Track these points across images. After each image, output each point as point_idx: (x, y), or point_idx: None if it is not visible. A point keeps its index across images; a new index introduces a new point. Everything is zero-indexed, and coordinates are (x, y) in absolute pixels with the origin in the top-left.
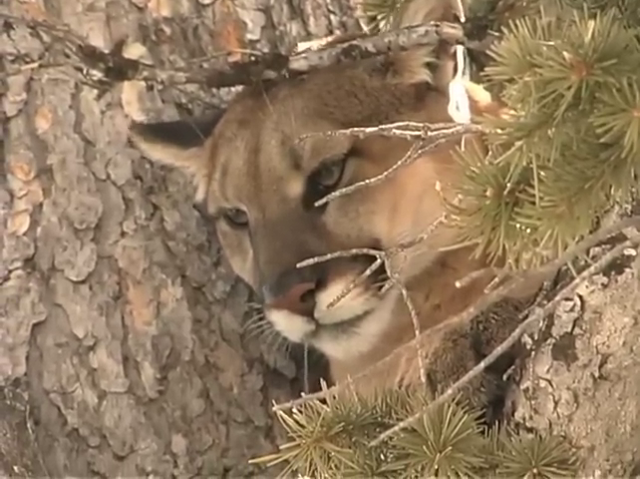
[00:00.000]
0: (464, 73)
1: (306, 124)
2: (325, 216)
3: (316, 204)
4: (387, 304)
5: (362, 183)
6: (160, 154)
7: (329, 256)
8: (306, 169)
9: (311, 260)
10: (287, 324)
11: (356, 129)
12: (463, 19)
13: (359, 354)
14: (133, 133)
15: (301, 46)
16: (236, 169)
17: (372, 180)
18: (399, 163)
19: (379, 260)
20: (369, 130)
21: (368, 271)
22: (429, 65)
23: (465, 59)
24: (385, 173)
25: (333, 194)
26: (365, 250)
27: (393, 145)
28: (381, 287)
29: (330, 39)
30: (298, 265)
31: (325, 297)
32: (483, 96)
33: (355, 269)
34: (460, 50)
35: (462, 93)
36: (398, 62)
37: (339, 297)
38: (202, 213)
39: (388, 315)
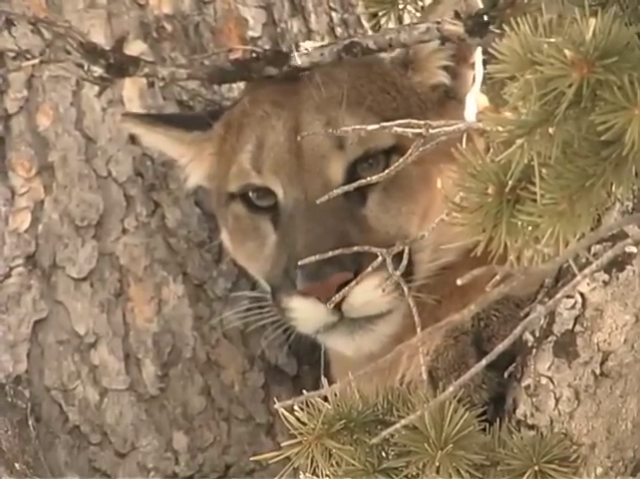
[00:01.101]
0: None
1: (351, 112)
2: (365, 209)
3: (352, 185)
4: (404, 305)
5: (364, 181)
6: (158, 137)
7: (331, 253)
8: (350, 153)
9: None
10: (310, 313)
11: (358, 126)
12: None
13: (369, 353)
14: (127, 119)
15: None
16: (276, 144)
17: (373, 177)
18: (400, 160)
19: (380, 258)
20: (371, 127)
21: (370, 268)
22: (447, 69)
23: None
24: (386, 171)
25: (372, 177)
26: (367, 248)
27: (431, 148)
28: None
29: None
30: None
31: (358, 290)
32: (480, 99)
33: (392, 264)
34: (478, 60)
35: (473, 102)
36: (417, 61)
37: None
38: (204, 209)
39: (401, 317)
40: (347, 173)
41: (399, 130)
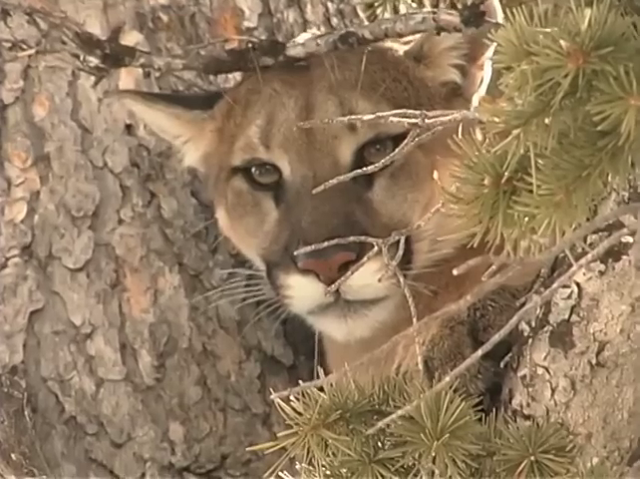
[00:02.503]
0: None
1: (365, 95)
2: (372, 193)
3: (366, 169)
4: (399, 294)
5: (360, 170)
6: (157, 114)
7: (326, 243)
8: (360, 135)
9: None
10: (308, 290)
11: (354, 116)
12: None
13: (360, 338)
14: (126, 95)
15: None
16: (286, 120)
17: (369, 168)
18: (396, 151)
19: (376, 248)
20: (367, 117)
21: (366, 258)
22: (459, 67)
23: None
24: (382, 161)
25: (382, 161)
26: (363, 238)
27: (439, 139)
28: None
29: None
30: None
31: (358, 273)
32: None
33: (391, 252)
34: (488, 63)
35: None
36: (431, 57)
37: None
38: (200, 200)
39: (394, 305)
40: (356, 155)
41: (394, 120)
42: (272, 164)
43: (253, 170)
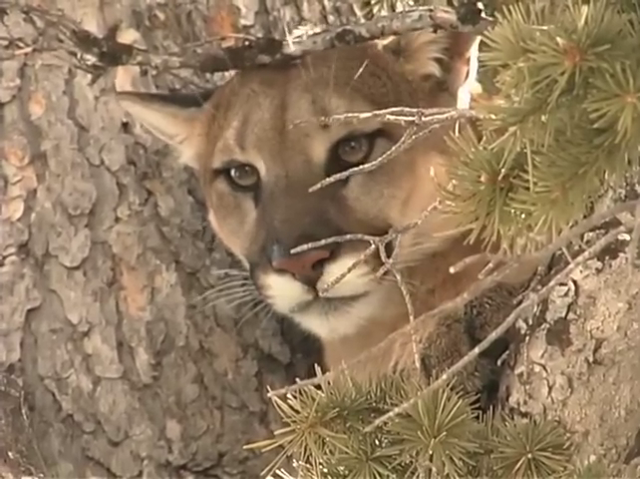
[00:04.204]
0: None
1: (339, 91)
2: (346, 190)
3: (343, 174)
4: (382, 290)
5: (356, 169)
6: (154, 114)
7: (324, 242)
8: (333, 133)
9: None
10: (284, 290)
11: (350, 114)
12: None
13: (344, 335)
14: (123, 97)
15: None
16: (260, 120)
17: (366, 165)
18: (393, 148)
19: (373, 246)
20: (363, 115)
21: (363, 256)
22: (439, 61)
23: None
24: (379, 159)
25: (359, 167)
26: (360, 236)
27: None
28: (382, 274)
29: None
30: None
31: (335, 269)
32: (474, 87)
33: (368, 248)
34: (474, 56)
35: (467, 97)
36: (409, 50)
37: (341, 276)
38: (197, 198)
39: (379, 301)
40: (329, 153)
41: (391, 117)
42: (250, 164)
43: (232, 172)
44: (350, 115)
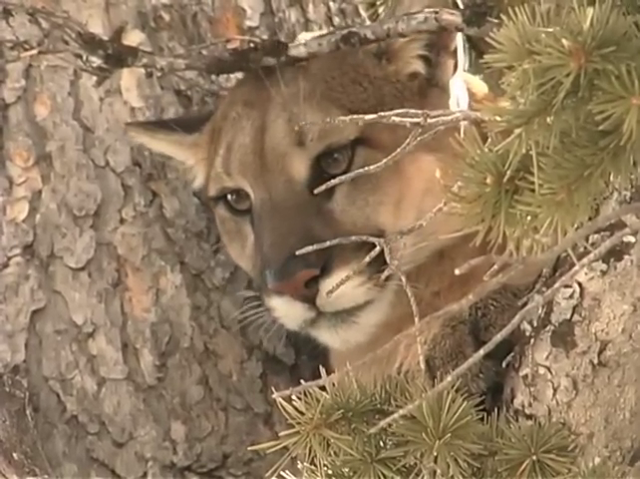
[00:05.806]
0: (463, 68)
1: (314, 106)
2: (332, 203)
3: (321, 187)
4: (386, 295)
5: (361, 170)
6: (161, 143)
7: (329, 243)
8: (311, 149)
9: (312, 247)
10: (287, 311)
11: (356, 116)
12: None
13: (356, 344)
14: (130, 128)
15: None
16: (242, 146)
17: (371, 167)
18: (398, 150)
19: (378, 248)
20: (369, 117)
21: (368, 258)
22: (424, 58)
23: (464, 52)
24: (384, 160)
25: (339, 177)
26: (365, 238)
27: (400, 136)
28: (385, 277)
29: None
30: (298, 253)
31: (329, 285)
32: (480, 87)
33: (359, 258)
34: (460, 46)
35: (461, 87)
36: (390, 52)
37: (338, 284)
38: (202, 200)
39: (386, 306)
40: (311, 169)
41: (397, 119)
42: (241, 189)
43: (229, 197)
44: (356, 117)
